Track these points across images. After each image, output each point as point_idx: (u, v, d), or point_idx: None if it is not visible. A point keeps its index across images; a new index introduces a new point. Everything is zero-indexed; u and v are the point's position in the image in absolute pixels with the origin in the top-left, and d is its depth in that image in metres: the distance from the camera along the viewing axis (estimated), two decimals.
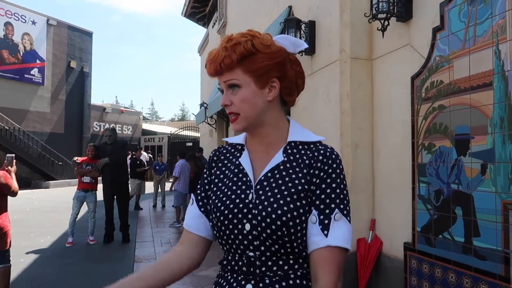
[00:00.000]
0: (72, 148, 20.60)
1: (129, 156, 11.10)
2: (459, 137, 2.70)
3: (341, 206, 0.94)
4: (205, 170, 1.12)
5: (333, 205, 0.93)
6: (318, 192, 0.95)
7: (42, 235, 6.91)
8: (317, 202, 0.94)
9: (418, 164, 3.07)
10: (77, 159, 6.43)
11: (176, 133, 23.38)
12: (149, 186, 11.48)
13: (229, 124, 9.32)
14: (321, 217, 0.93)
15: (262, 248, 0.92)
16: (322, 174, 0.96)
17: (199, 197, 1.08)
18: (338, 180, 0.96)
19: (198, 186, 1.11)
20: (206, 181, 1.09)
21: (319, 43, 4.25)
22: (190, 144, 20.18)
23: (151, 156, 19.57)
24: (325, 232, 0.91)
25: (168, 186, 11.40)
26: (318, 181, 0.96)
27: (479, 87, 2.55)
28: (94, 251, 5.89)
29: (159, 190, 11.03)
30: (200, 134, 16.79)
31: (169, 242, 6.43)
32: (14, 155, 3.73)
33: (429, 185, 2.96)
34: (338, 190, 0.95)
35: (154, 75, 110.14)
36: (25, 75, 18.78)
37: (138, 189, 10.13)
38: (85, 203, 6.26)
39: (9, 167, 3.52)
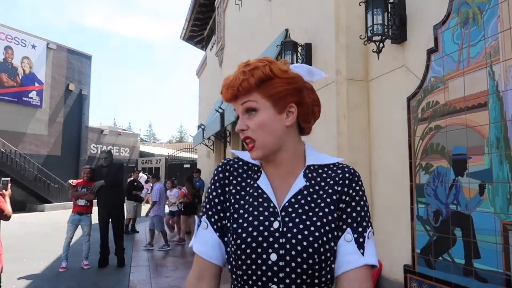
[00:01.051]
0: (68, 170, 20.48)
1: (130, 178, 11.00)
2: (456, 157, 2.70)
3: (370, 224, 0.95)
4: (212, 186, 1.01)
5: (364, 223, 0.93)
6: (349, 210, 0.93)
7: (35, 259, 6.76)
8: (349, 221, 0.92)
9: (416, 185, 3.06)
10: (72, 182, 6.39)
11: (173, 155, 23.33)
12: (146, 209, 11.35)
13: (226, 145, 9.32)
14: (355, 235, 0.91)
15: (287, 280, 0.86)
16: (351, 192, 0.94)
17: (213, 219, 0.97)
18: (364, 198, 0.97)
19: (208, 206, 0.99)
20: (220, 198, 0.99)
21: (315, 65, 4.29)
22: (188, 165, 20.10)
23: (149, 176, 19.44)
24: (361, 250, 0.90)
25: (167, 209, 11.30)
26: (348, 199, 0.94)
27: (474, 107, 2.57)
28: (88, 276, 5.76)
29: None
30: (198, 155, 16.75)
31: (165, 266, 6.31)
32: (9, 178, 3.69)
33: (427, 205, 2.94)
34: (366, 208, 0.95)
35: (152, 97, 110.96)
36: (23, 98, 18.85)
37: (134, 212, 10.01)
38: (79, 226, 6.14)
39: (4, 191, 3.48)
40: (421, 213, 3.00)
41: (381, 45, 3.32)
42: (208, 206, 1.00)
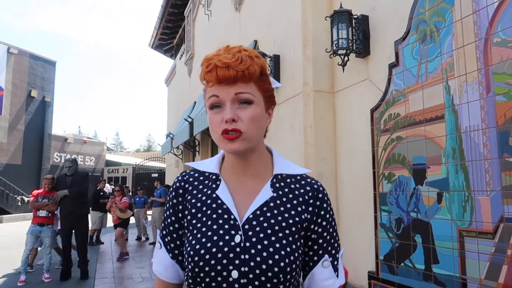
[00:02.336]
0: (30, 180, 19.63)
1: (97, 187, 10.74)
2: (416, 167, 2.83)
3: (339, 242, 0.95)
4: (166, 205, 0.97)
5: (336, 245, 0.94)
6: (325, 234, 0.91)
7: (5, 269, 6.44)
8: (325, 245, 0.91)
9: (380, 193, 3.17)
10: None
11: (141, 164, 22.89)
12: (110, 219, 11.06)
13: (195, 155, 9.27)
14: (331, 259, 0.91)
15: None
16: (322, 213, 0.91)
17: (166, 240, 0.95)
18: (334, 218, 0.95)
19: (162, 226, 0.96)
20: (173, 218, 0.94)
21: (283, 76, 4.38)
22: (156, 175, 19.77)
23: (113, 188, 18.98)
24: (336, 273, 0.91)
25: (132, 218, 11.05)
26: (321, 221, 0.91)
27: (432, 119, 2.71)
28: None
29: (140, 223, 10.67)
30: (166, 164, 16.52)
31: (131, 277, 6.16)
32: None
33: (390, 213, 3.05)
34: (336, 228, 0.94)
35: (119, 105, 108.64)
36: None
37: (100, 223, 9.74)
38: (40, 238, 5.89)
39: None
40: (384, 220, 3.11)
41: (345, 58, 3.44)
42: (162, 225, 0.97)
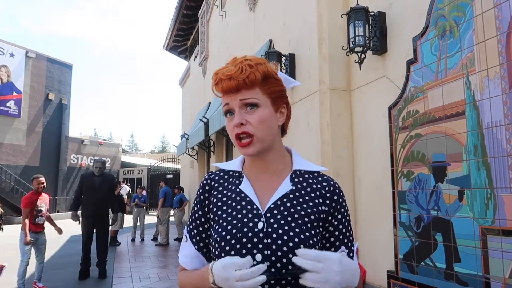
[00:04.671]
0: (47, 181, 19.94)
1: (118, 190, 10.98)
2: (436, 164, 2.79)
3: (353, 237, 1.01)
4: (194, 201, 1.06)
5: (351, 238, 1.00)
6: (341, 227, 0.98)
7: (12, 273, 6.56)
8: (341, 237, 0.97)
9: (398, 192, 3.13)
10: (27, 202, 5.33)
11: (156, 165, 23.11)
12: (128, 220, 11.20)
13: (210, 155, 9.31)
14: (347, 250, 0.97)
15: (272, 281, 0.87)
16: (338, 207, 0.98)
17: (192, 233, 1.02)
18: (348, 212, 1.01)
19: (189, 221, 1.05)
20: (200, 213, 1.03)
21: (299, 75, 4.37)
22: (171, 176, 19.94)
23: (130, 189, 19.22)
24: None
25: (148, 219, 11.17)
26: (337, 215, 0.97)
27: (452, 116, 2.66)
28: None
29: (138, 223, 10.75)
30: (181, 165, 16.65)
31: (148, 277, 6.22)
32: None
33: (409, 212, 3.01)
34: (350, 222, 1.01)
35: (134, 107, 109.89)
36: (1, 108, 18.41)
37: (120, 224, 9.85)
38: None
39: None
40: (403, 219, 3.07)
41: (362, 56, 3.42)
42: (189, 220, 1.06)
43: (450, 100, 2.69)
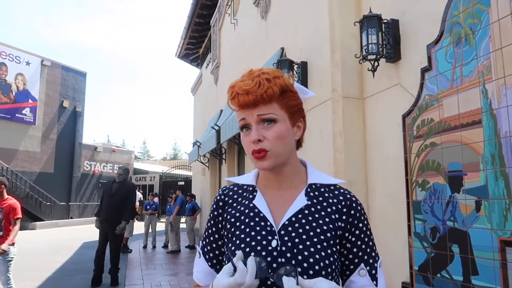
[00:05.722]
0: (61, 187, 20.29)
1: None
2: (452, 174, 2.73)
3: (377, 252, 0.96)
4: (208, 217, 1.04)
5: (374, 254, 0.95)
6: (359, 243, 0.93)
7: (26, 279, 6.63)
8: (360, 254, 0.93)
9: (413, 201, 3.07)
10: None
11: (168, 172, 23.24)
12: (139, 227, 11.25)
13: (222, 163, 9.32)
14: (368, 268, 0.92)
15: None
16: (356, 222, 0.94)
17: (206, 249, 1.00)
18: (369, 226, 0.97)
19: (203, 237, 1.03)
20: (213, 229, 1.00)
21: (311, 83, 4.35)
22: (182, 183, 20.01)
23: (142, 196, 19.35)
24: (374, 282, 0.92)
25: (159, 226, 11.20)
26: (353, 229, 0.93)
27: (468, 124, 2.61)
28: None
29: (150, 230, 10.79)
30: (193, 172, 16.69)
31: (159, 285, 6.21)
32: None
33: (424, 222, 2.95)
34: (372, 237, 0.96)
35: (146, 114, 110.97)
36: (17, 115, 18.78)
37: (131, 230, 9.89)
38: None
39: None
40: (418, 229, 3.01)
41: (375, 63, 3.38)
42: (203, 237, 1.04)
43: (466, 109, 2.64)
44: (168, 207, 10.70)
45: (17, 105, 18.88)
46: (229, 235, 0.95)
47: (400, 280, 3.18)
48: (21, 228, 16.20)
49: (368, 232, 0.96)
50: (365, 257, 0.93)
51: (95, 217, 6.38)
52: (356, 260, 0.93)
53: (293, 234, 0.88)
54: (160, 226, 11.09)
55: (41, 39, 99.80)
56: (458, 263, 2.64)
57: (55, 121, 20.88)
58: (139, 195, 15.43)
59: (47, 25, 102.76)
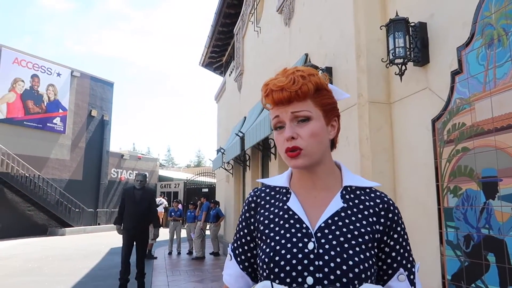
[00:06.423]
0: (89, 194, 20.82)
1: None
2: (486, 180, 2.63)
3: (413, 257, 0.94)
4: (239, 219, 1.02)
5: (411, 259, 0.93)
6: (398, 247, 0.91)
7: (57, 283, 6.80)
8: (399, 258, 0.91)
9: (445, 208, 2.98)
10: None
11: (192, 179, 23.47)
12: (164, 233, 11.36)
13: (246, 170, 9.33)
14: (407, 273, 0.91)
15: None
16: (394, 225, 0.92)
17: (237, 252, 0.98)
18: (406, 230, 0.95)
19: (234, 239, 1.01)
20: (245, 231, 0.98)
21: None
22: (206, 190, 20.15)
23: (166, 203, 19.60)
24: (413, 287, 0.91)
25: (184, 232, 11.30)
26: (391, 233, 0.91)
27: (503, 128, 2.52)
28: None
29: (175, 237, 10.89)
30: (216, 179, 16.79)
31: None
32: None
33: (457, 230, 2.85)
34: (408, 241, 0.94)
35: (171, 122, 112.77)
36: (48, 124, 19.45)
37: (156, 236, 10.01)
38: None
39: None
40: (450, 237, 2.91)
41: (403, 67, 3.32)
42: (234, 238, 1.02)
43: (500, 112, 2.54)
44: (188, 213, 10.80)
45: (48, 115, 19.56)
46: (263, 237, 0.93)
47: None
48: (51, 234, 16.74)
49: (406, 236, 0.94)
50: (404, 262, 0.91)
51: (116, 225, 6.28)
52: (395, 265, 0.90)
53: (330, 237, 0.86)
54: (185, 232, 11.18)
55: (68, 50, 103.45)
56: (494, 272, 2.53)
57: (84, 130, 21.50)
58: (164, 201, 15.62)
59: (74, 36, 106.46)
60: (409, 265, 0.92)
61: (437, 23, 3.21)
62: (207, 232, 10.43)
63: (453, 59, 2.99)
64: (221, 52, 13.36)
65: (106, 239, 14.57)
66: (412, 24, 3.31)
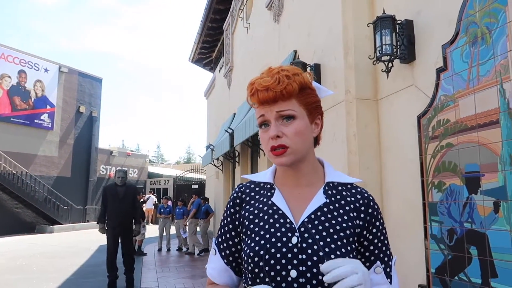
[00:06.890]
0: (78, 191, 20.63)
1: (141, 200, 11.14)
2: (469, 175, 2.69)
3: (391, 250, 0.98)
4: (224, 214, 1.04)
5: (388, 252, 0.96)
6: (376, 241, 0.94)
7: (45, 281, 6.75)
8: (376, 252, 0.94)
9: (429, 203, 3.04)
10: None
11: (181, 175, 23.40)
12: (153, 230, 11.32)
13: (235, 166, 9.35)
14: (383, 265, 0.94)
15: None
16: (373, 220, 0.95)
17: (221, 246, 1.00)
18: (384, 225, 0.98)
19: (218, 234, 1.03)
20: (230, 226, 1.00)
21: (324, 85, 4.35)
22: (196, 186, 20.12)
23: (156, 199, 19.53)
24: (389, 280, 0.93)
25: (173, 229, 11.29)
26: (372, 229, 0.94)
27: (486, 125, 2.57)
28: None
29: (164, 233, 10.87)
30: (206, 176, 16.78)
31: (175, 287, 6.26)
32: None
33: (441, 224, 2.91)
34: (386, 236, 0.98)
35: (160, 119, 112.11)
36: (35, 120, 19.19)
37: (144, 233, 9.99)
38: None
39: None
40: (435, 231, 2.97)
41: (390, 64, 3.37)
42: (218, 233, 1.03)
43: (483, 109, 2.60)
44: (177, 210, 10.79)
45: (36, 111, 19.29)
46: (248, 232, 0.95)
47: (416, 282, 3.14)
48: (40, 231, 16.59)
49: (384, 231, 0.97)
50: (381, 255, 0.95)
51: (100, 224, 6.13)
52: (372, 258, 0.94)
53: (313, 231, 0.89)
54: (174, 229, 11.16)
55: (56, 46, 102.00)
56: (476, 265, 2.59)
57: (72, 126, 21.26)
58: (153, 198, 15.56)
59: (62, 31, 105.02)
60: (386, 259, 0.95)
61: (424, 20, 3.26)
62: (197, 229, 10.44)
63: (438, 57, 3.04)
64: (210, 48, 13.31)
65: (95, 236, 14.45)
66: (399, 21, 3.35)
